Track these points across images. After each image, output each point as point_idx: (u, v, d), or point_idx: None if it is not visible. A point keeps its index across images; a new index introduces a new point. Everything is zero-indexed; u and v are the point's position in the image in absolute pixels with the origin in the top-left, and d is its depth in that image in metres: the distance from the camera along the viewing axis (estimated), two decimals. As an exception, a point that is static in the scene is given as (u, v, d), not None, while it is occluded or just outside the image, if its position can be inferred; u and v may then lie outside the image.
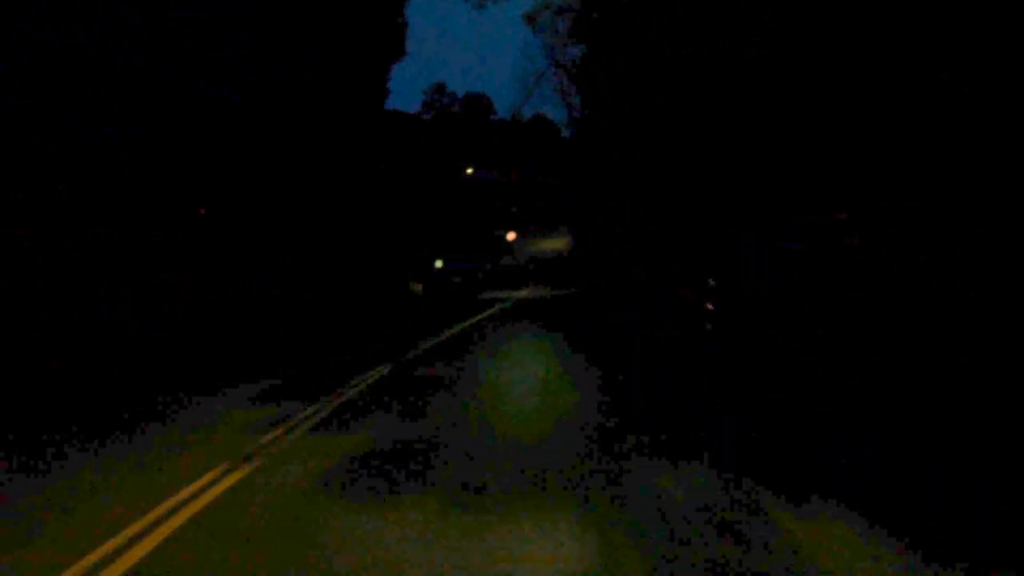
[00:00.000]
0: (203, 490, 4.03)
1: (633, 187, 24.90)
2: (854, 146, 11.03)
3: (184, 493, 3.97)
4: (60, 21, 13.10)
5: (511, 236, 49.91)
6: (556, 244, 49.10)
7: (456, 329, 14.41)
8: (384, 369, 9.02)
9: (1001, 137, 8.25)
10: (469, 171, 39.71)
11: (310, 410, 6.47)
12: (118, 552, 3.15)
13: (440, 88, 57.96)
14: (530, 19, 30.53)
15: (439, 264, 31.10)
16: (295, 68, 20.88)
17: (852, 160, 11.06)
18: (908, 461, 4.38)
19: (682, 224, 20.93)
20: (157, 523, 3.51)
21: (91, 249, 13.33)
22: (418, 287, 29.01)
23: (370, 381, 8.12)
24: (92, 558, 3.08)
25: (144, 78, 14.79)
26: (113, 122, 14.15)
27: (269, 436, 5.43)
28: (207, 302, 15.66)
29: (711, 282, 13.52)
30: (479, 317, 17.54)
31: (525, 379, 7.95)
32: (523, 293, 30.37)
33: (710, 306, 12.93)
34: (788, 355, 9.21)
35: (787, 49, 12.70)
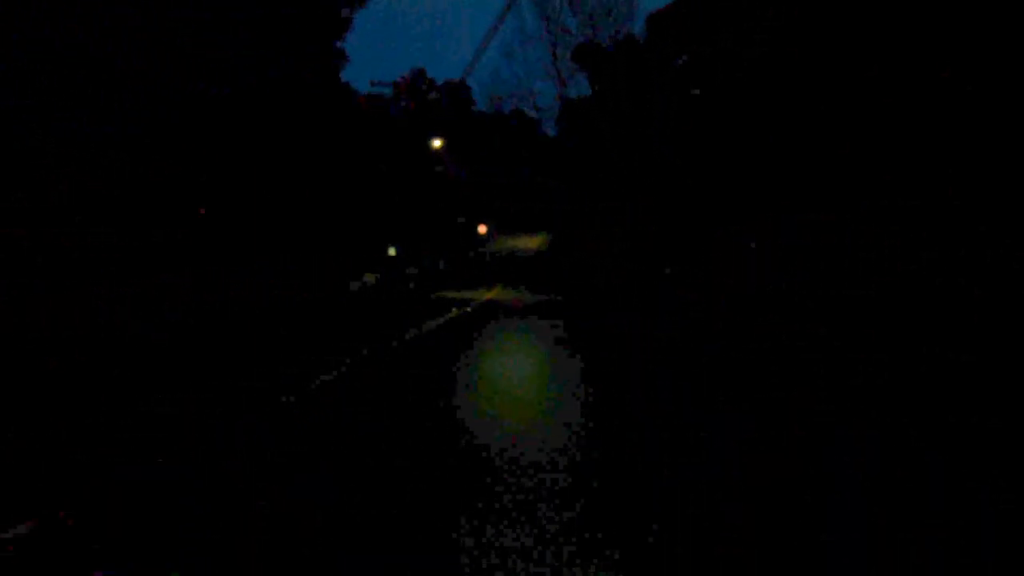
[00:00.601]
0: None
1: (633, 187, 24.87)
2: (857, 145, 10.99)
3: None
4: (60, 21, 13.09)
5: (482, 229, 46.90)
6: (531, 242, 45.96)
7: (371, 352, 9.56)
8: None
9: (1004, 135, 8.22)
10: (436, 143, 37.40)
11: None
12: None
13: (420, 74, 55.44)
14: None
15: (392, 252, 28.19)
16: (295, 68, 20.88)
17: (855, 159, 11.02)
18: (910, 460, 4.35)
19: (682, 224, 20.89)
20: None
21: (91, 249, 13.32)
22: (372, 278, 26.12)
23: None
24: None
25: (144, 78, 14.79)
26: (113, 122, 14.15)
27: None
28: (207, 302, 15.65)
29: None
30: (430, 325, 13.19)
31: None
32: (491, 294, 24.13)
33: None
34: (790, 353, 9.18)
35: (789, 48, 12.66)
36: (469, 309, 16.35)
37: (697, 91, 18.73)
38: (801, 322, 10.74)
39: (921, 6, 9.75)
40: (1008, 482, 3.85)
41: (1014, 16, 8.25)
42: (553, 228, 44.41)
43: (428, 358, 9.24)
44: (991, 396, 6.08)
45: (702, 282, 18.22)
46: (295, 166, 21.24)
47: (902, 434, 4.96)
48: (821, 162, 12.00)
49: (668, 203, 22.13)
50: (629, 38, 26.84)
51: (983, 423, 5.16)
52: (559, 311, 16.27)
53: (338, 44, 23.80)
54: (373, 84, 28.94)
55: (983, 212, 8.21)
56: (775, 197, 14.11)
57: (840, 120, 11.39)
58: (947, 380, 6.82)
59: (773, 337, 10.60)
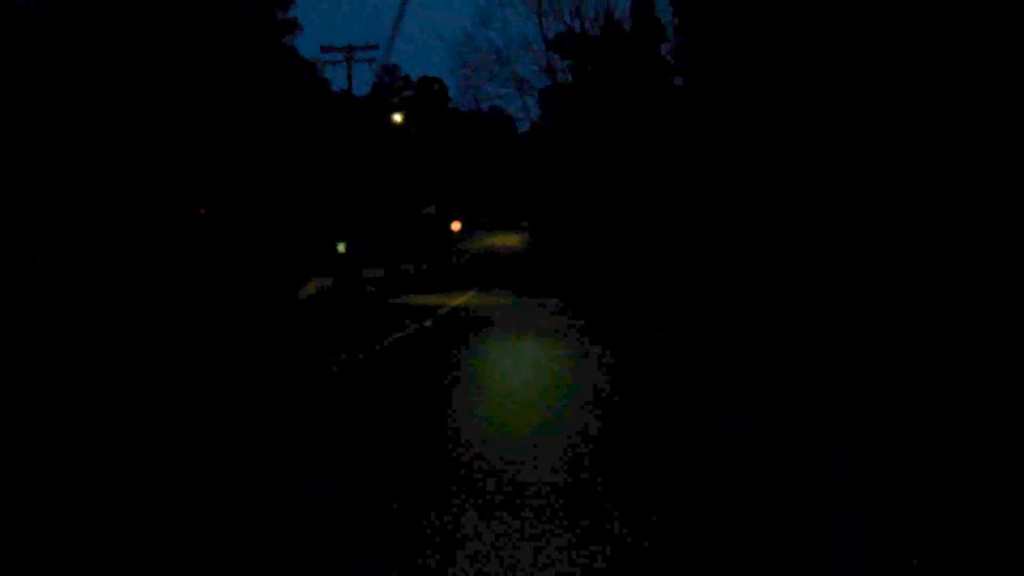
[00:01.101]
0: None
1: (633, 187, 24.88)
2: (854, 146, 11.03)
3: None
4: (60, 21, 13.11)
5: (455, 226, 43.07)
6: (510, 240, 42.87)
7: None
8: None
9: (1000, 138, 8.25)
10: (397, 118, 34.64)
11: None
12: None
13: (392, 70, 53.91)
14: None
15: (341, 248, 24.03)
16: (295, 69, 20.88)
17: (852, 160, 11.06)
18: (907, 461, 4.38)
19: (682, 224, 20.93)
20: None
21: (91, 249, 13.34)
22: (327, 282, 23.01)
23: None
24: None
25: (144, 78, 14.80)
26: (113, 122, 14.16)
27: None
28: (205, 301, 15.64)
29: None
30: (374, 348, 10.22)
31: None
32: (463, 299, 20.73)
33: None
34: (788, 355, 9.21)
35: (787, 50, 12.69)
36: (428, 323, 13.74)
37: (696, 92, 18.77)
38: (798, 324, 10.77)
39: (919, 7, 9.79)
40: (1005, 484, 3.87)
41: (1012, 17, 8.29)
42: (533, 225, 41.79)
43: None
44: (988, 398, 6.11)
45: (702, 282, 18.27)
46: (296, 166, 21.23)
47: (899, 436, 4.99)
48: (818, 164, 12.04)
49: (668, 203, 22.15)
50: (609, 20, 26.62)
51: (980, 425, 5.18)
52: (555, 327, 12.99)
53: (290, 14, 21.70)
54: (324, 50, 26.43)
55: (980, 215, 8.25)
56: (773, 199, 14.15)
57: (837, 122, 11.43)
58: (944, 382, 6.85)
59: (771, 338, 10.62)
